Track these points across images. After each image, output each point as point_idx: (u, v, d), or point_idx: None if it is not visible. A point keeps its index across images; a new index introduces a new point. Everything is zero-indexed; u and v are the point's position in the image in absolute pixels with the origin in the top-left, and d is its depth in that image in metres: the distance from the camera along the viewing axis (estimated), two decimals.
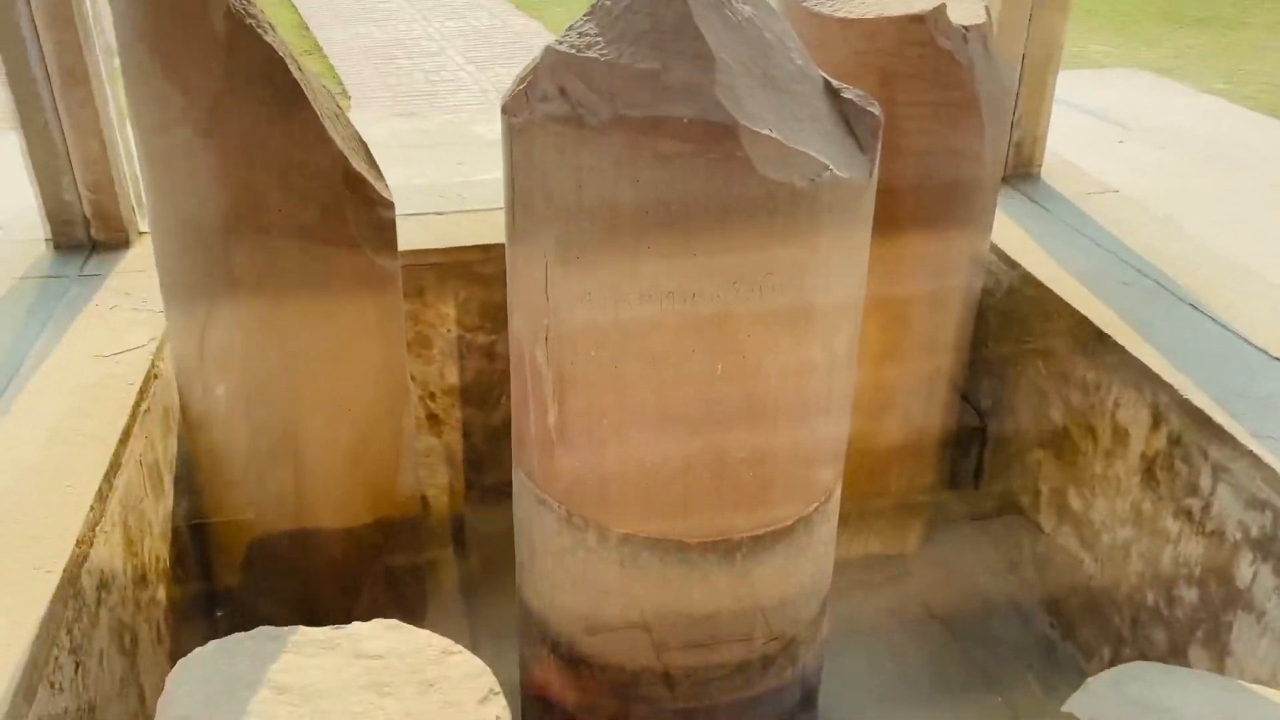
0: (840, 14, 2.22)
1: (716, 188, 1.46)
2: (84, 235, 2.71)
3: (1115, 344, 2.29)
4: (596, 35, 1.50)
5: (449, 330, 2.88)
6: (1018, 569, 2.70)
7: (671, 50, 1.46)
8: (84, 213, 2.68)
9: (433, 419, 3.00)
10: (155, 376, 2.25)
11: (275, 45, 1.86)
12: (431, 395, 2.97)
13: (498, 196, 3.01)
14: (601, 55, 1.48)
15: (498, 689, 1.38)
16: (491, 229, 2.85)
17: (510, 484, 2.00)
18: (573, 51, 1.49)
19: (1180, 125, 3.87)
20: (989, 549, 2.79)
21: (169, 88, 1.85)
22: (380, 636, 1.44)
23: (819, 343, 1.66)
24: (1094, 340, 2.36)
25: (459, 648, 1.44)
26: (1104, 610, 2.37)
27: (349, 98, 6.35)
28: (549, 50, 1.52)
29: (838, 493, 1.94)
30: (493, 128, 3.88)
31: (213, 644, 1.43)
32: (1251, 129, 3.97)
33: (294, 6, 9.10)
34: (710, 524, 1.75)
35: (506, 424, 2.99)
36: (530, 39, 7.87)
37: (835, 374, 1.74)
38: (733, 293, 1.54)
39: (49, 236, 2.70)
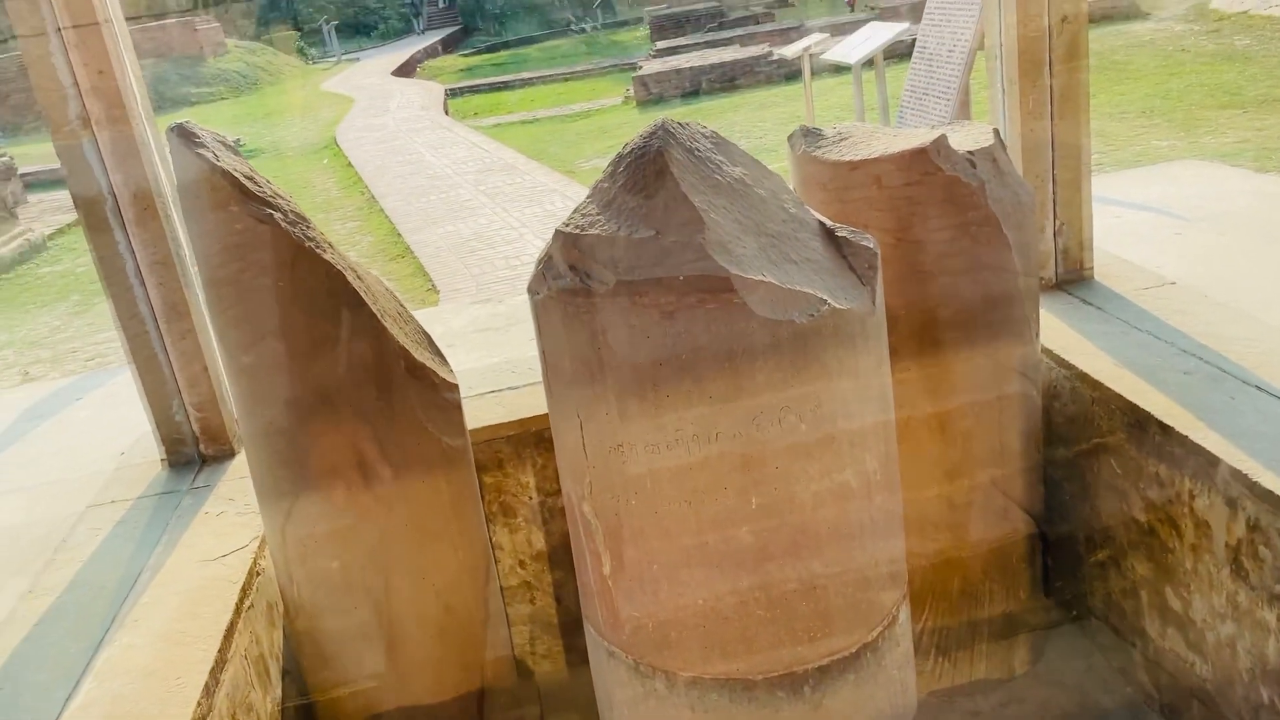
0: (848, 158, 2.35)
1: (720, 334, 1.57)
2: (194, 451, 2.96)
3: (1180, 435, 2.26)
4: (597, 214, 1.66)
5: (531, 497, 3.00)
6: (1130, 678, 2.58)
7: (663, 218, 1.60)
8: (192, 431, 2.94)
9: (526, 586, 3.09)
10: (257, 573, 2.42)
11: (334, 260, 2.09)
12: (522, 563, 3.07)
13: None
14: (602, 231, 1.63)
15: None
16: None
17: None
18: (577, 231, 1.65)
19: (1240, 209, 3.84)
20: (1098, 659, 2.68)
21: (244, 310, 2.08)
22: None
23: (850, 466, 1.72)
24: (1160, 433, 2.33)
25: None
26: (1224, 715, 2.25)
27: (438, 292, 6.79)
28: (557, 233, 1.68)
29: (904, 615, 1.94)
30: None
31: None
32: None
33: (386, 216, 9.84)
34: (773, 658, 1.78)
35: None
36: None
37: (874, 495, 1.78)
38: (753, 429, 1.63)
39: (163, 456, 2.96)
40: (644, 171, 1.65)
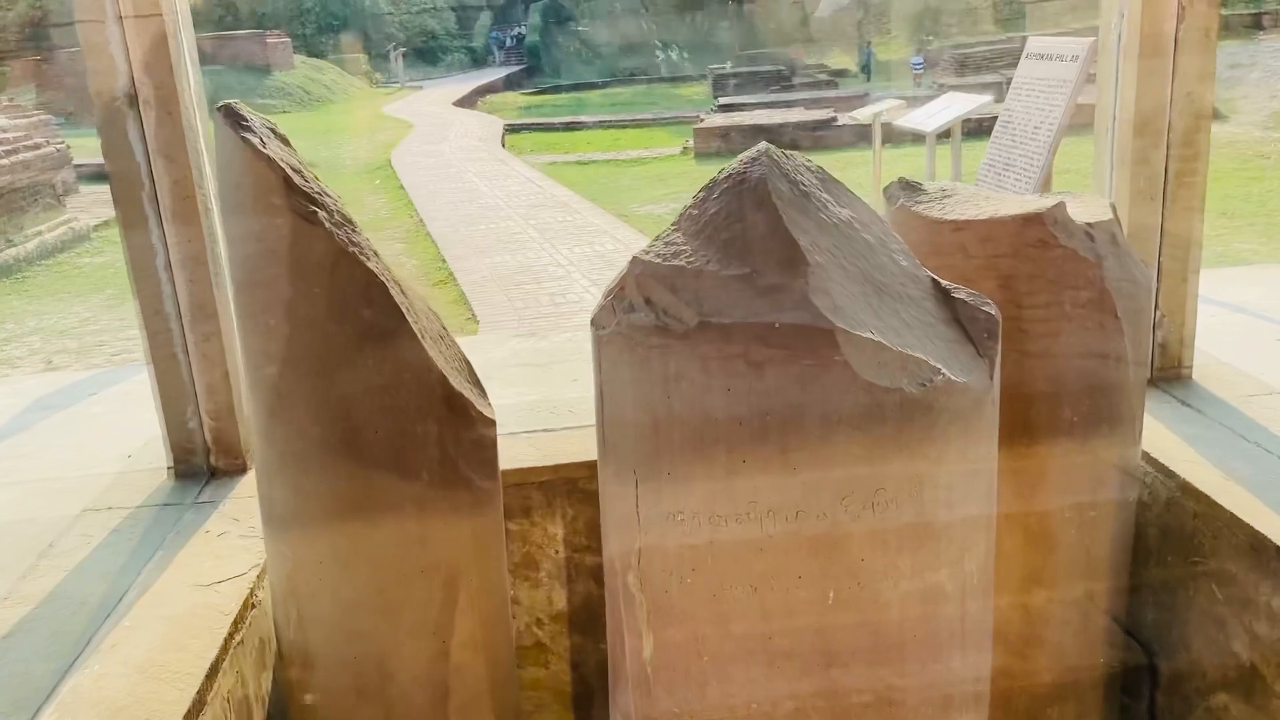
0: (951, 216, 2.13)
1: (815, 396, 1.33)
2: (203, 463, 2.75)
3: None
4: (683, 244, 1.44)
5: (557, 551, 2.76)
6: None
7: (760, 255, 1.38)
8: (205, 440, 2.74)
9: (539, 648, 2.84)
10: (252, 605, 2.19)
11: (377, 270, 1.88)
12: (539, 622, 2.82)
13: None
14: (688, 263, 1.41)
15: None
16: None
17: None
18: (658, 260, 1.43)
19: None
20: None
21: (274, 314, 1.88)
22: None
23: (946, 566, 1.47)
24: (1276, 560, 2.05)
25: None
26: None
27: (477, 322, 6.61)
28: (635, 260, 1.46)
29: None
30: None
31: None
32: None
33: (433, 240, 9.74)
34: None
35: None
36: None
37: (969, 601, 1.53)
38: (841, 510, 1.39)
39: (170, 464, 2.76)
40: (742, 200, 1.43)
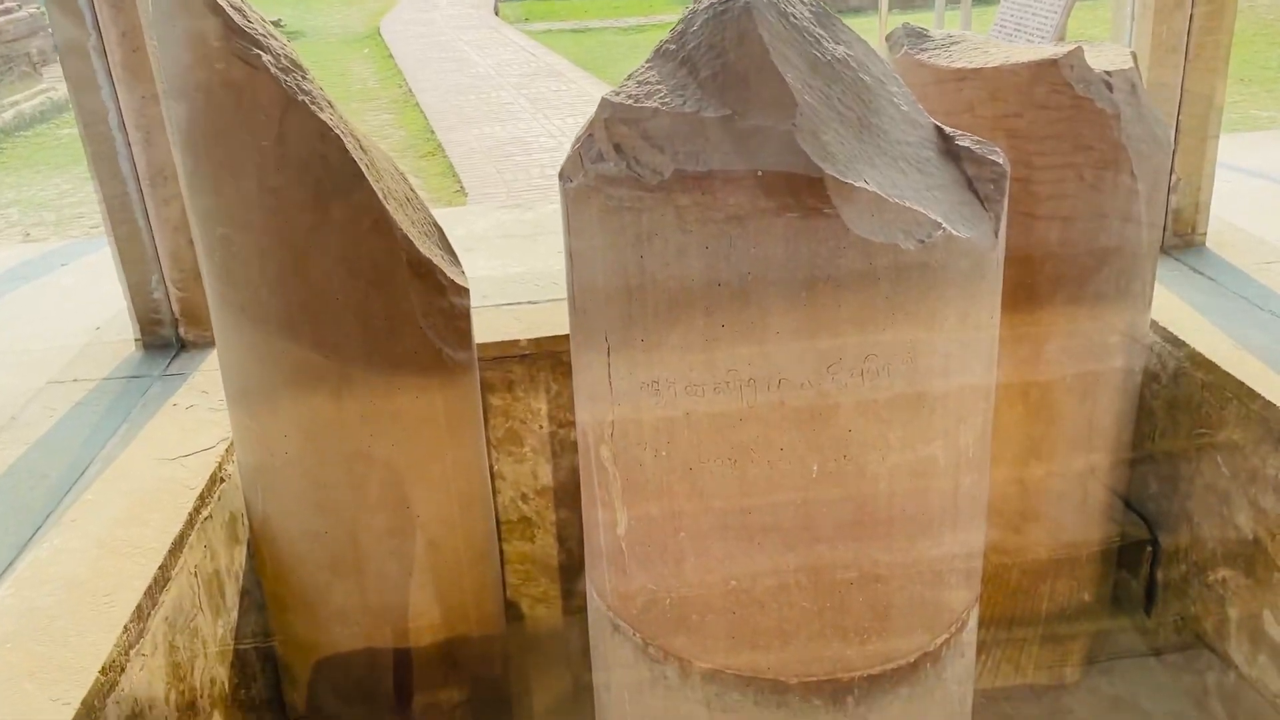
0: (959, 64, 1.96)
1: (801, 252, 1.21)
2: (172, 334, 2.64)
3: None
4: (657, 83, 1.29)
5: (541, 426, 2.68)
6: (1203, 708, 2.25)
7: (743, 94, 1.23)
8: (172, 310, 2.63)
9: (525, 522, 2.79)
10: (221, 480, 2.11)
11: (330, 122, 1.73)
12: (524, 496, 2.76)
13: None
14: (662, 104, 1.26)
15: None
16: None
17: None
18: (630, 102, 1.29)
19: None
20: (1166, 682, 2.35)
21: (219, 172, 1.73)
22: None
23: (940, 437, 1.37)
24: None
25: None
26: None
27: (466, 195, 6.41)
28: (604, 102, 1.31)
29: (973, 621, 1.60)
30: None
31: None
32: None
33: (422, 111, 9.42)
34: (814, 659, 1.45)
35: None
36: None
37: (962, 475, 1.43)
38: (828, 379, 1.28)
39: (137, 336, 2.65)
40: (725, 32, 1.27)
